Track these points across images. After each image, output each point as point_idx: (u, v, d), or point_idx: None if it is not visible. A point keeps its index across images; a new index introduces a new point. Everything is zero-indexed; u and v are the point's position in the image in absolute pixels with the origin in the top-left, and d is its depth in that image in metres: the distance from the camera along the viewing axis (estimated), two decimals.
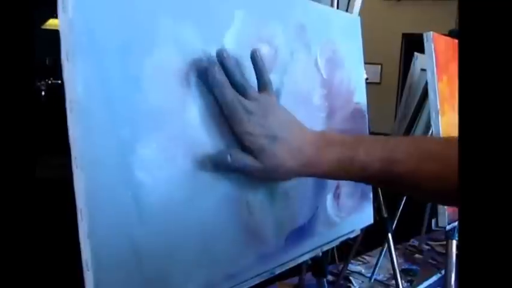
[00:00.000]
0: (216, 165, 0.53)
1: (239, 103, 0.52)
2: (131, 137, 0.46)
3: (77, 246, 0.43)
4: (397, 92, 5.23)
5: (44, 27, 4.26)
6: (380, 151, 0.52)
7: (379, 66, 5.49)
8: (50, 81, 4.61)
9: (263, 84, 0.57)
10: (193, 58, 0.52)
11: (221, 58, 0.53)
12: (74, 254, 0.47)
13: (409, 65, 1.37)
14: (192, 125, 0.52)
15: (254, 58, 0.57)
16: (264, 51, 0.62)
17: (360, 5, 1.27)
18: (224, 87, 0.52)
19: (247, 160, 0.52)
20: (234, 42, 0.57)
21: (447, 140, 0.55)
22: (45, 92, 4.56)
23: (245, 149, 0.53)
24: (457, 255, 1.07)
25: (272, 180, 0.60)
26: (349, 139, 0.56)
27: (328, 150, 0.54)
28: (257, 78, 0.58)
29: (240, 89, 0.54)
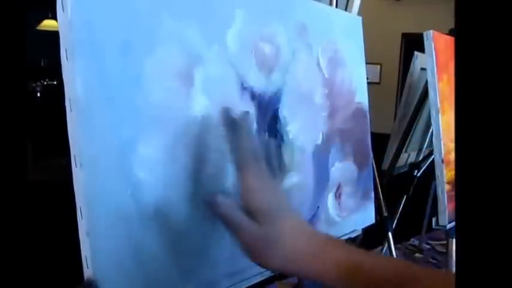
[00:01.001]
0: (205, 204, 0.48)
1: (256, 160, 0.48)
2: (131, 136, 0.46)
3: (75, 247, 0.43)
4: (396, 91, 5.23)
5: (38, 28, 4.25)
6: (394, 264, 0.49)
7: (379, 66, 5.49)
8: (45, 82, 4.59)
9: None
10: (194, 56, 0.52)
11: (243, 125, 0.51)
12: (72, 254, 0.47)
13: (409, 64, 1.37)
14: (192, 124, 0.52)
15: None
16: (266, 50, 0.62)
17: (358, 4, 1.27)
18: (247, 140, 0.49)
19: (241, 215, 0.45)
20: (236, 41, 0.57)
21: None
22: (40, 93, 4.55)
23: (248, 208, 0.46)
24: None
25: (260, 261, 0.48)
26: (354, 248, 0.50)
27: (336, 248, 0.47)
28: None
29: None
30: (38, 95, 4.57)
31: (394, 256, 1.31)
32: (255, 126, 0.60)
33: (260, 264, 0.48)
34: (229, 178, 0.55)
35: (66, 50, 0.41)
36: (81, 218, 0.42)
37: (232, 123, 0.50)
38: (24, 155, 0.39)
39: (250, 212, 0.46)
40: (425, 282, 0.44)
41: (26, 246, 0.39)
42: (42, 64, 4.91)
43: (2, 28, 0.38)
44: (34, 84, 4.49)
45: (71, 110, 0.41)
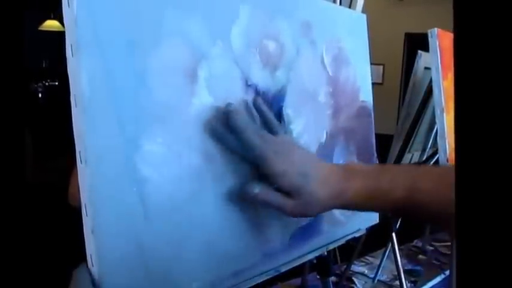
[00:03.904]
0: (241, 198, 0.54)
1: (266, 144, 0.54)
2: (136, 132, 0.45)
3: (74, 250, 0.42)
4: (399, 92, 5.20)
5: (40, 28, 4.25)
6: (403, 179, 0.54)
7: (382, 67, 5.47)
8: (47, 83, 4.59)
9: (275, 128, 0.59)
10: (198, 53, 0.52)
11: (257, 104, 0.57)
12: (72, 258, 0.46)
13: (412, 65, 1.36)
14: (197, 121, 0.51)
15: (259, 106, 0.58)
16: (270, 47, 0.61)
17: (362, 4, 1.26)
18: (249, 132, 0.53)
19: (279, 198, 0.53)
20: (240, 38, 0.57)
21: None
22: (42, 94, 4.55)
23: (279, 189, 0.53)
24: None
25: (300, 216, 0.59)
26: (372, 169, 0.58)
27: (353, 180, 0.55)
28: (267, 124, 0.58)
29: (272, 127, 0.58)
30: (40, 95, 4.57)
31: (399, 259, 1.30)
32: (242, 111, 0.58)
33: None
34: (234, 175, 0.55)
35: (71, 45, 0.41)
36: (86, 215, 0.42)
37: (226, 124, 0.53)
38: (22, 156, 0.39)
39: (280, 191, 0.53)
40: (426, 185, 0.53)
41: (26, 248, 0.39)
42: (44, 65, 4.91)
43: (3, 29, 0.37)
44: (36, 85, 4.49)
45: (75, 106, 0.41)
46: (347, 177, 0.55)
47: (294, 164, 0.54)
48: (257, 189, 0.53)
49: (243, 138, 0.52)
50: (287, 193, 0.53)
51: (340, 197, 0.55)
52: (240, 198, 0.55)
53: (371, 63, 0.88)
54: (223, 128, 0.53)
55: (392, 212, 0.59)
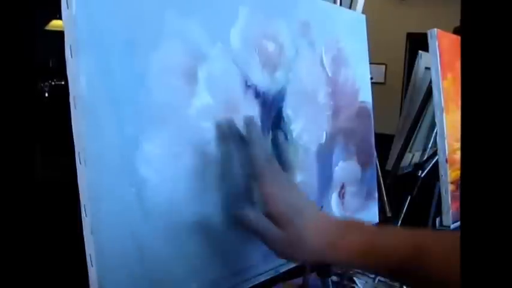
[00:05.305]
0: (236, 222, 0.52)
1: (270, 165, 0.52)
2: (135, 133, 0.46)
3: (79, 246, 0.43)
4: (401, 92, 5.20)
5: (47, 28, 4.25)
6: (410, 236, 0.48)
7: (384, 66, 5.47)
8: (53, 83, 4.60)
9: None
10: (198, 54, 0.52)
11: (250, 131, 0.54)
12: (77, 253, 0.47)
13: (414, 64, 1.36)
14: (196, 122, 0.51)
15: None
16: (270, 48, 0.61)
17: (362, 4, 1.26)
18: (258, 148, 0.53)
19: (270, 225, 0.49)
20: (239, 39, 0.57)
21: None
22: (48, 93, 4.56)
23: (270, 214, 0.50)
24: None
25: (289, 258, 0.56)
26: (373, 226, 0.53)
27: (349, 234, 0.50)
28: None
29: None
30: (46, 94, 4.57)
31: None
32: (259, 124, 0.60)
33: (287, 259, 0.55)
34: (234, 175, 0.55)
35: (70, 46, 0.41)
36: (86, 215, 0.42)
37: (238, 134, 0.53)
38: (32, 154, 0.40)
39: (271, 217, 0.50)
40: (435, 249, 0.46)
41: (32, 244, 0.40)
42: (51, 64, 4.91)
43: (11, 29, 0.38)
44: (42, 84, 4.50)
45: (75, 108, 0.41)
46: (342, 232, 0.50)
47: (292, 196, 0.51)
48: (251, 216, 0.50)
49: (251, 151, 0.52)
50: (277, 223, 0.49)
51: (333, 250, 0.49)
52: (234, 220, 0.53)
53: (373, 63, 0.88)
54: (234, 136, 0.53)
55: (395, 274, 0.51)
